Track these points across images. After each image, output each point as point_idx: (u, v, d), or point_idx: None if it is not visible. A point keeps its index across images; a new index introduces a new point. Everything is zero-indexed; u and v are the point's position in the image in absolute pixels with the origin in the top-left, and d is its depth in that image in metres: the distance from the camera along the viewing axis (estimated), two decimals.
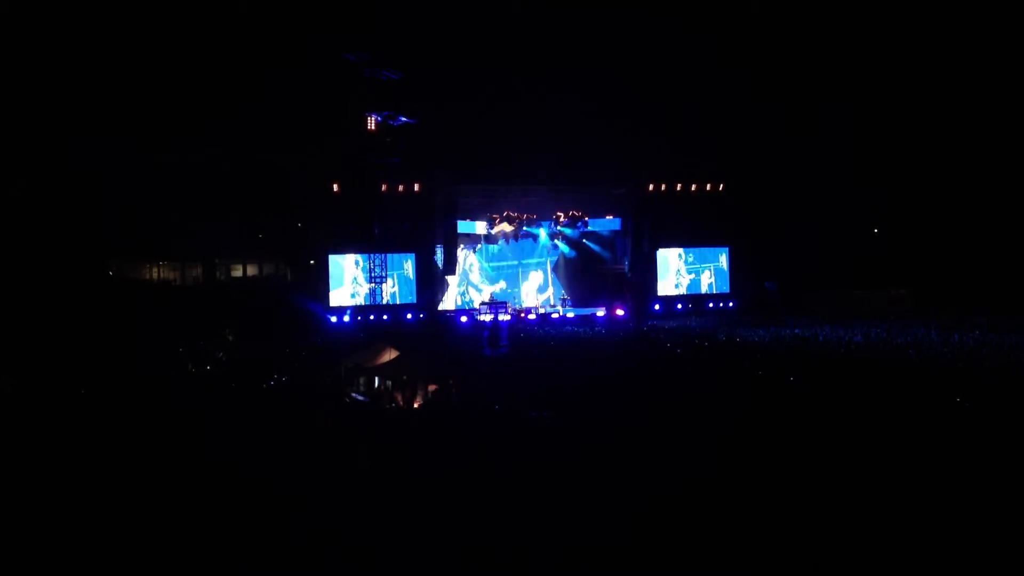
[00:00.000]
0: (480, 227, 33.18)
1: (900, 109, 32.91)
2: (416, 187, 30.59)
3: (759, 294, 32.36)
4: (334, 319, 29.73)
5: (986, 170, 32.73)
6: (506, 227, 32.80)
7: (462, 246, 33.42)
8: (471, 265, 34.70)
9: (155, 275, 34.91)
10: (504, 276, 35.68)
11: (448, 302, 33.31)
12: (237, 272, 36.53)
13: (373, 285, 29.72)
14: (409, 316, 30.62)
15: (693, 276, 33.78)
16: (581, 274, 35.74)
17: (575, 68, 31.49)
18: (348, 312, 30.06)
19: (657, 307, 32.76)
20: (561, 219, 33.35)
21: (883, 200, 34.22)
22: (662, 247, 33.34)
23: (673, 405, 12.59)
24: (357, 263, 30.48)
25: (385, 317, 30.16)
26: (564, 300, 34.96)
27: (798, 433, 10.63)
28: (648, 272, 33.20)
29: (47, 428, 12.01)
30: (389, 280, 30.40)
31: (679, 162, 32.98)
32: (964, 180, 32.97)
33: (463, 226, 32.69)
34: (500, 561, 6.97)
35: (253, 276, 36.48)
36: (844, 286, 32.78)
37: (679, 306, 33.14)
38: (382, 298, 30.08)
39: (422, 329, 29.13)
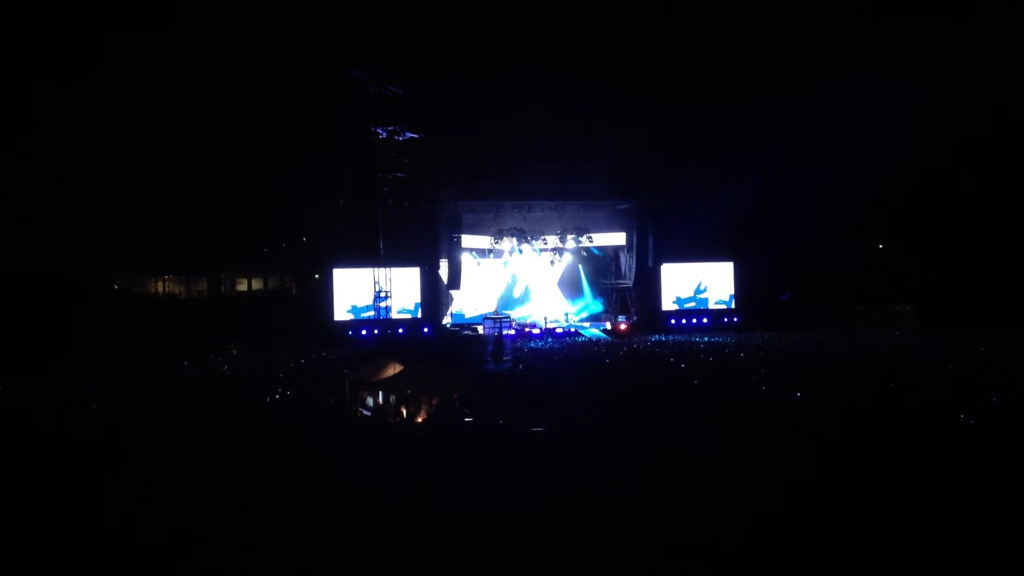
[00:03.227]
0: (485, 242, 33.21)
1: (905, 121, 32.91)
2: (421, 202, 30.68)
3: (774, 305, 32.34)
4: (339, 333, 29.76)
5: (992, 189, 32.71)
6: (510, 242, 32.83)
7: (467, 260, 33.47)
8: (478, 279, 34.74)
9: (161, 289, 35.08)
10: (508, 291, 35.71)
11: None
12: (242, 286, 36.69)
13: (378, 300, 29.77)
14: (413, 331, 30.62)
15: (698, 291, 33.70)
16: (585, 289, 35.82)
17: (581, 85, 31.65)
18: (353, 326, 30.11)
19: (661, 322, 32.70)
20: (565, 234, 33.36)
21: (888, 216, 34.25)
22: (666, 262, 33.28)
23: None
24: (362, 277, 30.53)
25: (390, 331, 30.18)
26: (568, 315, 34.98)
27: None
28: (652, 287, 33.16)
29: (50, 437, 12.04)
30: (393, 295, 30.43)
31: (684, 178, 33.05)
32: (971, 198, 32.97)
33: (468, 241, 32.75)
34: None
35: (258, 290, 36.63)
36: (849, 301, 32.77)
37: (683, 321, 33.07)
38: (387, 312, 30.11)
39: (426, 343, 29.12)
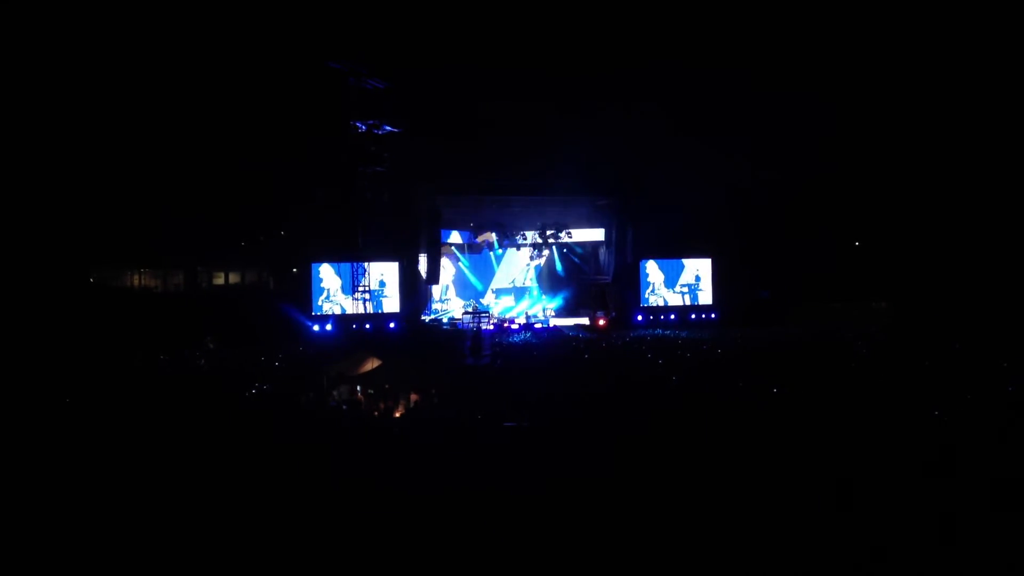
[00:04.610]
0: (464, 237, 33.24)
1: (882, 120, 33.23)
2: (400, 196, 30.56)
3: (751, 302, 32.57)
4: (316, 327, 29.67)
5: (969, 184, 33.07)
6: (490, 236, 32.87)
7: (446, 254, 33.47)
8: (457, 273, 34.76)
9: (136, 282, 34.74)
10: (487, 285, 35.77)
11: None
12: (219, 280, 36.42)
13: (357, 295, 29.68)
14: (392, 325, 30.56)
15: (676, 287, 33.87)
16: (564, 284, 35.93)
17: (560, 77, 31.64)
18: (331, 321, 29.98)
19: (639, 318, 32.84)
20: (545, 229, 33.41)
21: (864, 213, 34.56)
22: (645, 258, 33.42)
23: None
24: (340, 271, 30.40)
25: (368, 326, 30.09)
26: (546, 310, 35.08)
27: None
28: (631, 283, 33.29)
29: (31, 435, 11.92)
30: (371, 290, 30.35)
31: (663, 174, 33.09)
32: (946, 193, 33.31)
33: (447, 235, 32.73)
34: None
35: (235, 284, 36.37)
36: (824, 298, 33.11)
37: (661, 317, 33.23)
38: (365, 307, 30.03)
39: (405, 338, 29.08)
